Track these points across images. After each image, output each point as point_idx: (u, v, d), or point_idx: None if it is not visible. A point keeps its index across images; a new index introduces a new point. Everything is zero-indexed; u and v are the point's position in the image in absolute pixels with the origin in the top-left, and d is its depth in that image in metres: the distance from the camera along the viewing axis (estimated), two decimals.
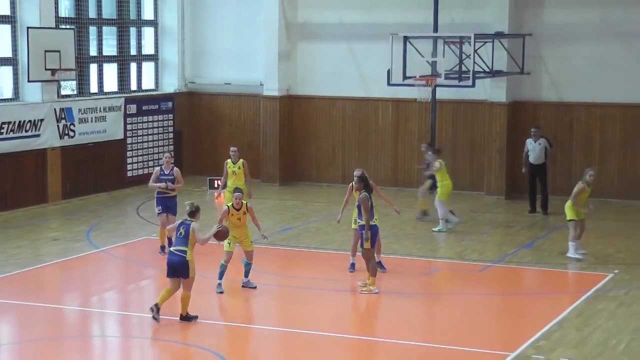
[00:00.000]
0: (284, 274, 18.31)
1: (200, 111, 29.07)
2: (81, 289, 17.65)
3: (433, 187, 22.71)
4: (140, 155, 27.28)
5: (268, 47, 27.79)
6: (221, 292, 16.68)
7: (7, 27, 23.85)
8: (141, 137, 27.29)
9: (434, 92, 25.09)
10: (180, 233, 15.18)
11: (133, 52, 27.91)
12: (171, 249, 15.36)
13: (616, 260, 19.37)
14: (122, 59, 27.42)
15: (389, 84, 23.82)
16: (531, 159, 23.90)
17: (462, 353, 14.06)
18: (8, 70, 24.04)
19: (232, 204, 16.72)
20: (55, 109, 24.43)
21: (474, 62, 23.16)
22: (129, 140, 26.85)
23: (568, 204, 19.32)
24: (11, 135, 23.35)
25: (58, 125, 24.53)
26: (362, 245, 16.75)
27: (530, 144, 23.92)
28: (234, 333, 15.21)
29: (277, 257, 19.49)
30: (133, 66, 27.91)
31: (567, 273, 18.81)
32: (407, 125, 27.11)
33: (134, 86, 27.96)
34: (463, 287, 17.56)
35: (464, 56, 23.54)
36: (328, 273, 18.26)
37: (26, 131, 23.66)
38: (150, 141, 27.61)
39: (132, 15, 27.78)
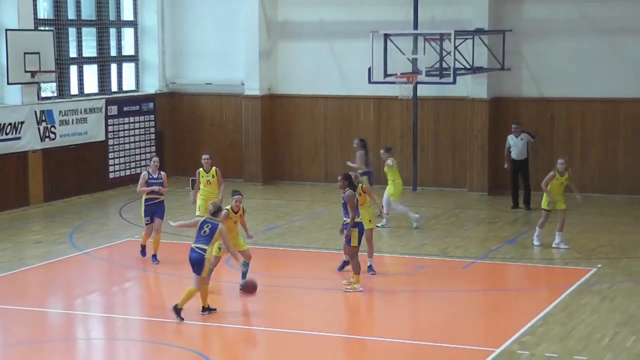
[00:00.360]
0: (269, 273, 18.28)
1: (181, 111, 29.02)
2: (65, 292, 17.59)
3: (368, 183, 22.87)
4: (122, 157, 27.20)
5: (248, 47, 27.76)
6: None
7: None
8: (123, 139, 27.20)
9: (415, 89, 25.11)
10: (205, 231, 15.24)
11: (113, 53, 27.82)
12: (193, 245, 15.35)
13: (599, 255, 19.44)
14: (102, 60, 27.32)
15: (370, 81, 23.83)
16: (513, 155, 23.96)
17: (447, 350, 14.08)
18: None
19: (231, 207, 16.57)
20: (35, 112, 24.32)
21: (455, 59, 23.22)
22: (110, 142, 26.76)
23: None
24: None
25: (39, 128, 24.42)
26: (348, 243, 16.74)
27: (511, 139, 23.99)
28: (219, 334, 15.17)
29: (261, 256, 19.43)
30: (113, 67, 27.83)
31: (550, 268, 18.87)
32: (388, 123, 27.13)
33: (114, 87, 27.86)
34: (447, 284, 17.58)
35: (444, 53, 23.60)
36: (312, 272, 18.25)
37: (7, 134, 23.55)
38: (132, 142, 27.53)
39: (112, 16, 27.69)
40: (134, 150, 27.58)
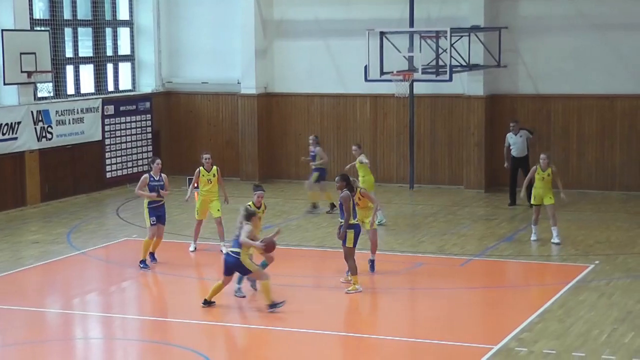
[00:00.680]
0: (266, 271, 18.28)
1: (178, 111, 29.01)
2: (62, 292, 17.58)
3: (320, 179, 23.06)
4: (119, 157, 27.19)
5: (245, 46, 27.76)
6: (243, 297, 16.42)
7: None
8: (119, 138, 27.20)
9: (411, 87, 25.13)
10: (235, 234, 15.49)
11: (109, 52, 27.81)
12: (228, 250, 15.62)
13: (596, 251, 19.46)
14: (99, 60, 27.31)
15: (366, 79, 23.86)
16: (514, 153, 23.92)
17: (445, 347, 14.09)
18: None
19: (253, 202, 16.55)
20: (32, 112, 24.31)
21: (451, 56, 23.23)
22: (107, 142, 26.75)
23: None
24: None
25: (35, 128, 24.41)
26: (343, 244, 16.68)
27: (510, 137, 23.96)
28: (217, 332, 15.18)
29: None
30: (109, 67, 27.82)
31: (548, 265, 18.89)
32: (385, 120, 27.14)
33: (111, 87, 27.86)
34: (445, 281, 17.60)
35: (440, 50, 23.60)
36: (309, 270, 18.25)
37: (3, 134, 23.54)
38: (129, 142, 27.53)
39: (108, 16, 27.68)
40: (130, 149, 27.57)
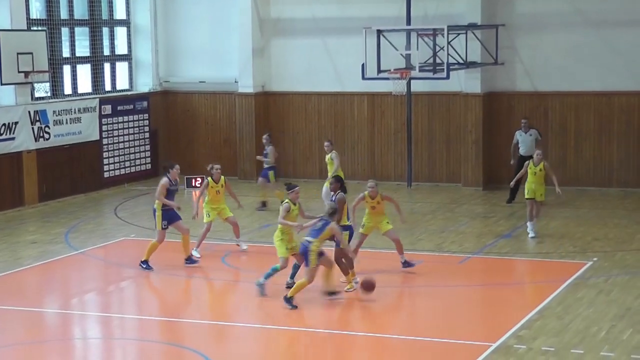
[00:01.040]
0: (264, 270, 18.29)
1: (175, 110, 29.00)
2: (61, 292, 17.58)
3: (267, 176, 23.34)
4: (117, 156, 27.19)
5: (242, 44, 27.75)
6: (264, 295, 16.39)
7: None
8: (117, 138, 27.20)
9: (408, 85, 25.14)
10: (317, 226, 15.84)
11: (106, 52, 27.80)
12: (305, 238, 15.88)
13: (595, 248, 19.47)
14: (96, 60, 27.30)
15: (363, 78, 23.87)
16: (521, 151, 23.70)
17: (444, 345, 14.10)
18: None
19: (291, 200, 16.55)
20: (29, 112, 24.30)
21: (448, 54, 23.24)
22: (104, 141, 26.74)
23: None
24: None
25: (33, 128, 24.40)
26: (337, 245, 16.63)
27: (520, 135, 23.78)
28: (216, 331, 15.18)
29: (256, 254, 19.47)
30: (107, 66, 27.81)
31: (546, 262, 18.88)
32: (383, 118, 27.15)
33: (108, 86, 27.85)
34: (443, 279, 17.59)
35: (437, 48, 23.60)
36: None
37: (0, 134, 23.52)
38: (126, 141, 27.52)
39: (104, 15, 27.66)
40: (128, 149, 27.56)
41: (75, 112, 25.72)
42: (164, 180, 18.12)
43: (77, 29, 26.84)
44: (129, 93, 28.27)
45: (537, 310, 15.32)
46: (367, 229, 17.68)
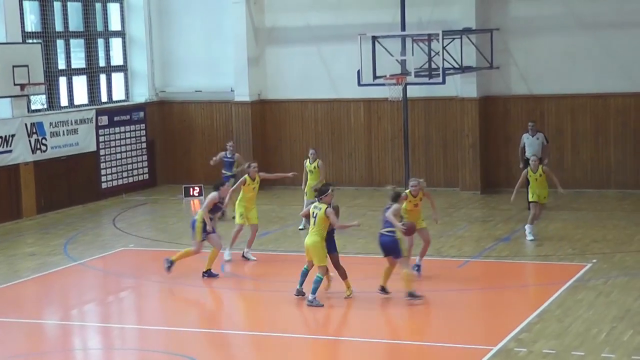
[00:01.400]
0: (263, 278, 18.29)
1: (172, 120, 29.01)
2: (60, 303, 17.56)
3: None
4: (114, 167, 27.18)
5: (237, 53, 27.77)
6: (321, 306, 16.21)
7: None
8: (114, 149, 27.19)
9: (404, 90, 25.10)
10: (385, 216, 16.10)
11: (102, 63, 27.81)
12: (382, 230, 16.14)
13: (593, 250, 19.47)
14: (91, 71, 27.31)
15: (359, 84, 23.86)
16: (528, 154, 23.41)
17: (445, 349, 14.09)
18: None
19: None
20: (26, 124, 24.30)
21: (443, 59, 23.27)
22: (101, 152, 26.74)
23: None
24: None
25: (30, 140, 24.40)
26: (335, 252, 16.59)
27: (527, 138, 23.62)
28: (215, 340, 15.17)
29: (255, 261, 19.45)
30: (102, 78, 27.82)
31: (545, 265, 18.88)
32: (379, 124, 27.16)
33: (104, 98, 27.86)
34: (443, 283, 17.58)
35: (433, 53, 23.61)
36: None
37: None
38: (124, 152, 27.51)
39: (99, 27, 27.68)
40: (125, 159, 27.56)
41: (72, 124, 25.72)
42: (213, 194, 18.20)
43: (73, 41, 26.86)
44: (125, 104, 28.29)
45: (537, 313, 15.32)
46: None
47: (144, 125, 28.21)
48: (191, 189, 26.54)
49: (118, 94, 28.47)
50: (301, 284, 16.45)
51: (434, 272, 18.37)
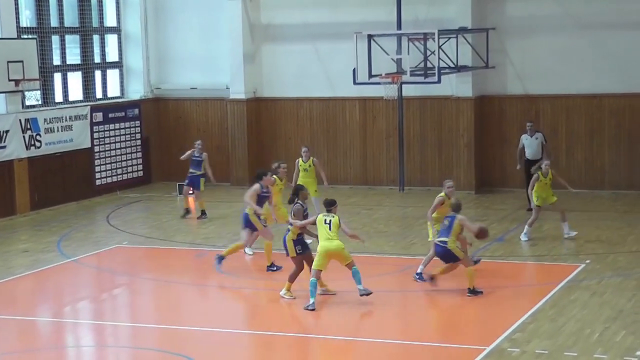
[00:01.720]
0: (258, 276, 18.28)
1: (167, 117, 28.98)
2: (54, 300, 17.53)
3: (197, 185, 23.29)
4: (109, 164, 27.14)
5: (233, 50, 27.75)
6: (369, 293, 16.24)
7: None
8: (109, 145, 27.15)
9: (400, 89, 25.15)
10: (444, 224, 16.62)
11: (97, 59, 27.76)
12: (436, 240, 16.72)
13: (587, 251, 19.49)
14: (86, 67, 27.26)
15: (355, 82, 23.87)
16: (528, 155, 23.42)
17: (438, 349, 14.09)
18: None
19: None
20: (20, 120, 24.26)
21: (439, 58, 23.27)
22: (96, 149, 26.70)
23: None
24: None
25: (24, 136, 24.35)
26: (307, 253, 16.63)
27: (525, 139, 23.54)
28: (209, 338, 15.14)
29: (250, 260, 19.45)
30: (97, 74, 27.77)
31: (539, 265, 18.91)
32: (375, 123, 27.15)
33: (99, 94, 27.81)
34: (437, 283, 17.55)
35: (428, 52, 23.62)
36: (302, 274, 18.19)
37: None
38: (118, 149, 27.48)
39: (95, 23, 27.63)
40: (120, 156, 27.52)
41: (66, 120, 25.69)
42: (256, 186, 18.33)
43: (68, 37, 26.81)
44: (120, 100, 28.24)
45: (530, 313, 15.33)
46: None
47: (138, 122, 28.17)
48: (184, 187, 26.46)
49: (113, 90, 28.43)
50: (314, 295, 16.06)
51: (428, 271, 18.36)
